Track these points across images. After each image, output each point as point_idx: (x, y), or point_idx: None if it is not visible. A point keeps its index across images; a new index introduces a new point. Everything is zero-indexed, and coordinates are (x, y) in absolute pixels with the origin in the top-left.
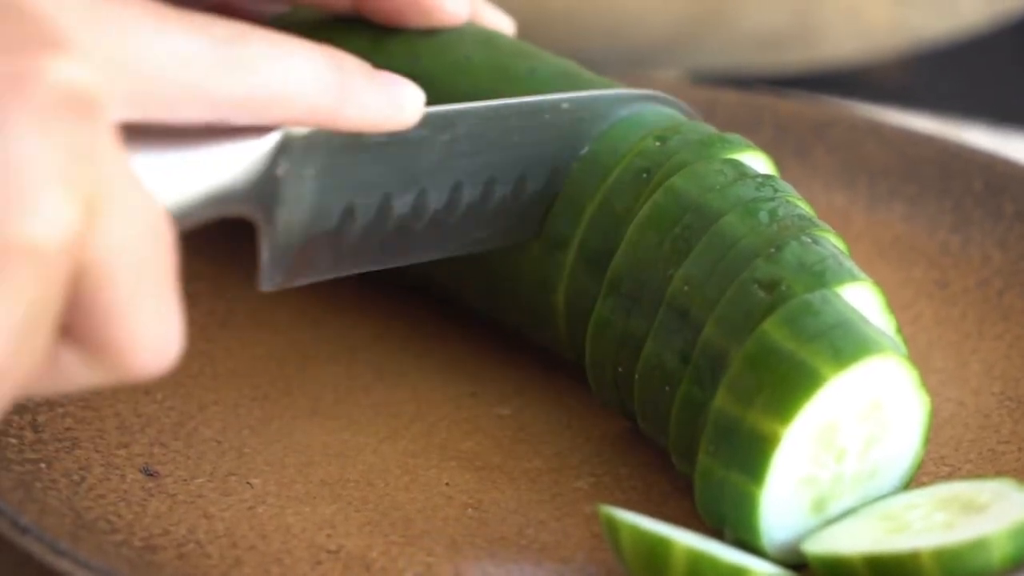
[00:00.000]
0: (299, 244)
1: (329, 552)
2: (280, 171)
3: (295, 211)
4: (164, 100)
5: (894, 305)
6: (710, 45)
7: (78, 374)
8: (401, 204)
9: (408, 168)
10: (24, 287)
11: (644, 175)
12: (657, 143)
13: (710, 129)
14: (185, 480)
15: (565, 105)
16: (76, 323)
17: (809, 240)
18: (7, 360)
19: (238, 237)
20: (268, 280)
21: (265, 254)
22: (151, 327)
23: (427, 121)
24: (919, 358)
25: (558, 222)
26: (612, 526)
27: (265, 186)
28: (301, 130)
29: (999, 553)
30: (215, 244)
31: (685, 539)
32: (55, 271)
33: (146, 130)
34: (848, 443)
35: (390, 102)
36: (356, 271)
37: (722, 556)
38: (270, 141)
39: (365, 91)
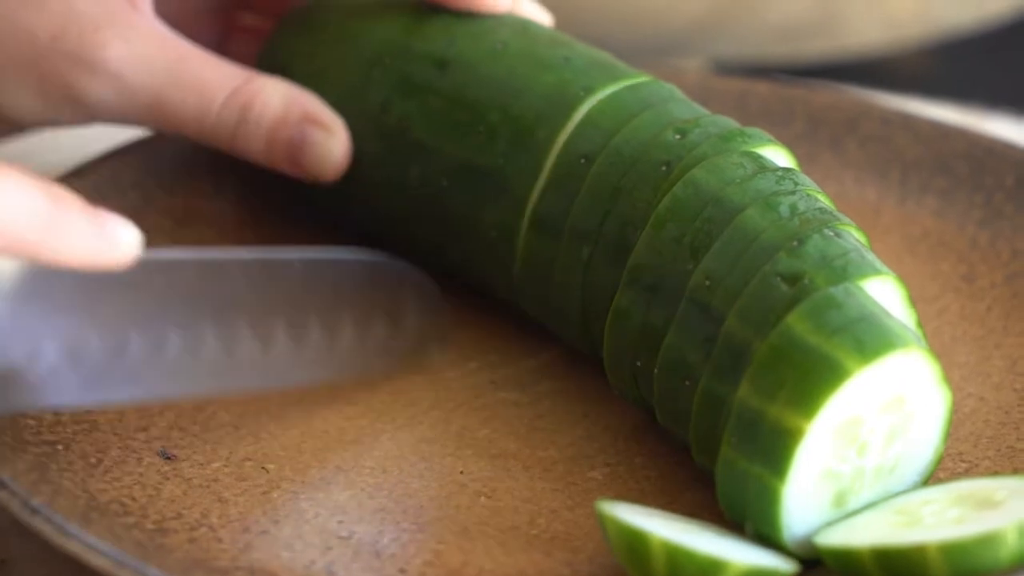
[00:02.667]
0: None
1: (340, 538)
2: None
3: None
4: None
5: (920, 299)
6: (734, 34)
7: None
8: (99, 345)
9: (115, 309)
10: None
11: (664, 168)
12: (677, 136)
13: (731, 123)
14: (201, 464)
15: (296, 264)
16: None
17: (831, 233)
18: None
19: (267, 221)
20: None
21: None
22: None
23: (142, 264)
24: (943, 352)
25: (579, 214)
26: (601, 519)
27: None
28: (3, 262)
29: (1008, 549)
30: (243, 228)
31: (662, 532)
32: None
33: None
34: (870, 437)
35: (104, 239)
36: (57, 406)
37: (698, 549)
38: None
39: (77, 225)
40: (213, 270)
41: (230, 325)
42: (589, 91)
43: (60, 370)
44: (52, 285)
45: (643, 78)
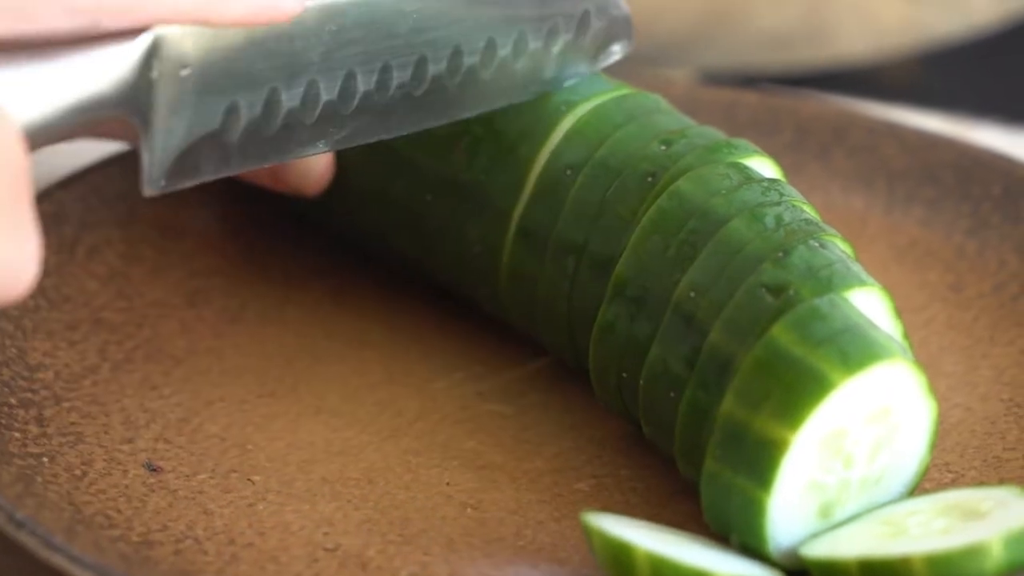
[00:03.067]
0: (181, 148)
1: (326, 550)
2: (154, 74)
3: (174, 115)
4: (24, 9)
5: (907, 309)
6: (721, 44)
7: None
8: (289, 98)
9: (293, 61)
10: None
11: (649, 179)
12: (663, 147)
13: (717, 134)
14: (187, 476)
15: None
16: None
17: (816, 244)
18: None
19: (252, 233)
20: (151, 184)
21: (145, 159)
22: (1, 250)
23: (310, 12)
24: (929, 362)
25: (563, 226)
26: (586, 530)
27: (139, 91)
28: (174, 29)
29: (992, 560)
30: (229, 240)
31: (647, 544)
32: None
33: (8, 45)
34: (855, 449)
35: None
36: (245, 170)
37: (683, 560)
38: (142, 44)
39: None
40: (384, 5)
41: (413, 57)
42: (571, 106)
43: (258, 127)
44: (225, 49)
45: (625, 90)
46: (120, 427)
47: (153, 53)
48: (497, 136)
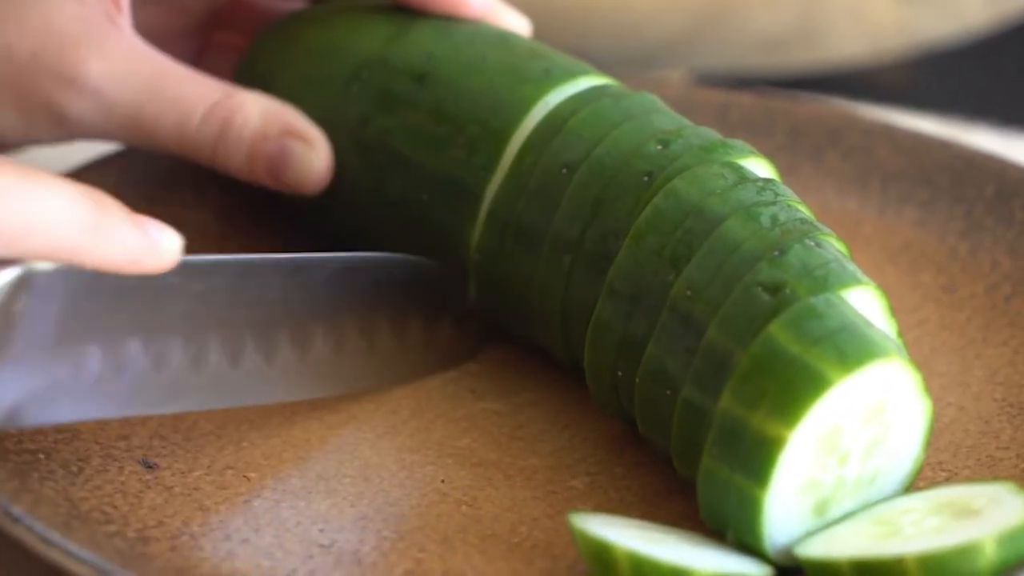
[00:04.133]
0: (34, 384)
1: (321, 547)
2: (17, 307)
3: (32, 349)
4: None
5: (900, 309)
6: (715, 46)
7: None
8: (140, 353)
9: (154, 317)
10: None
11: (645, 178)
12: (659, 147)
13: (713, 134)
14: (183, 473)
15: (330, 265)
16: None
17: (812, 244)
18: None
19: (248, 232)
20: None
21: None
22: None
23: (182, 268)
24: (923, 362)
25: (560, 224)
26: (572, 530)
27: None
28: (45, 266)
29: (985, 559)
30: (225, 239)
31: (626, 543)
32: None
33: None
34: (851, 447)
35: (146, 243)
36: (98, 417)
37: (662, 558)
38: (9, 275)
39: (120, 230)
40: (251, 273)
41: (270, 332)
42: (543, 91)
43: (105, 382)
44: (93, 292)
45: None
46: (116, 424)
47: (20, 286)
48: (494, 134)
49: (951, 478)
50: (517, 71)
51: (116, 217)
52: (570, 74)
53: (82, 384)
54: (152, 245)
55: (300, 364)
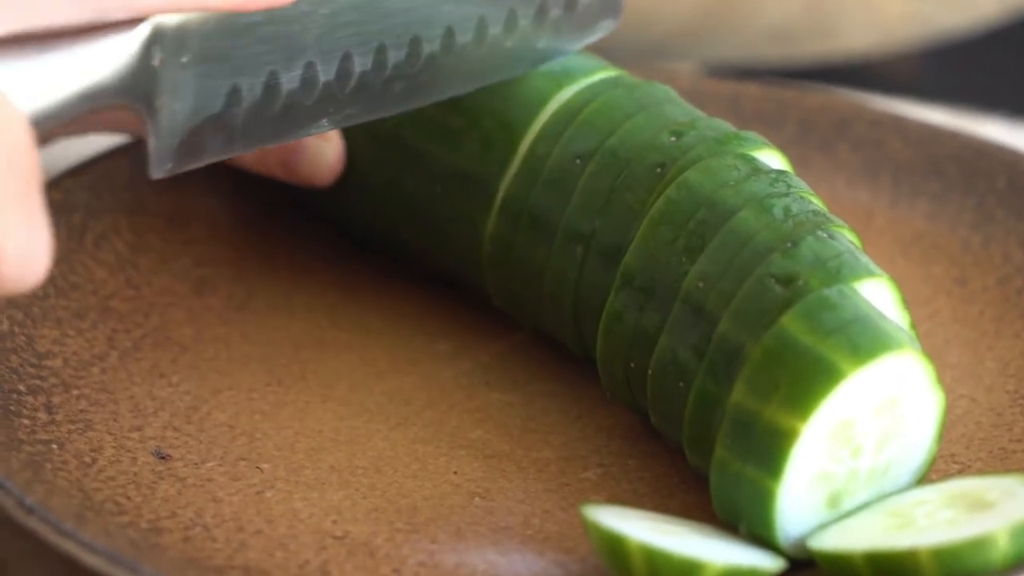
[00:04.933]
0: (185, 130)
1: (335, 538)
2: (155, 61)
3: (177, 99)
4: (32, 2)
5: (912, 301)
6: (724, 37)
7: None
8: (288, 81)
9: (291, 44)
10: None
11: (658, 170)
12: (672, 138)
13: (726, 126)
14: (196, 464)
15: None
16: None
17: (825, 235)
18: None
19: (259, 222)
20: (158, 168)
21: (151, 142)
22: (12, 241)
23: None
24: (935, 354)
25: (572, 215)
26: (584, 523)
27: (141, 78)
28: (173, 17)
29: (999, 552)
30: (235, 230)
31: (640, 535)
32: None
33: (15, 39)
34: (864, 439)
35: None
36: (250, 150)
37: (675, 551)
38: (142, 32)
39: None
40: None
41: (406, 37)
42: (559, 86)
43: (259, 109)
44: (225, 35)
45: (613, 72)
46: (129, 415)
47: (154, 41)
48: (508, 127)
49: (964, 470)
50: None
51: None
52: (586, 70)
53: (237, 117)
54: None
55: (447, 59)
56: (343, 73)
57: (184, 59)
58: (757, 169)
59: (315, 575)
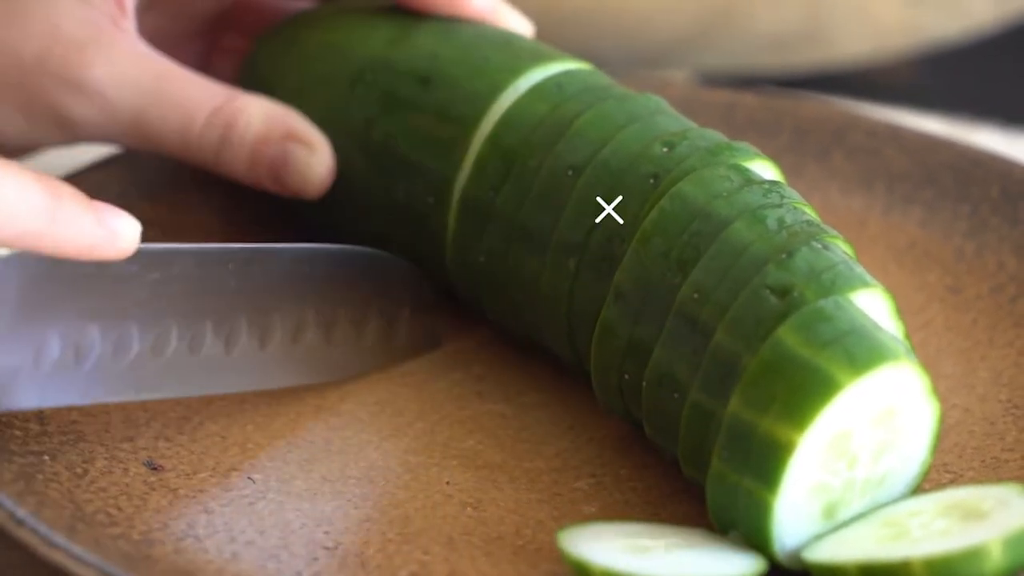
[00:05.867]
0: None
1: (326, 548)
2: None
3: None
4: None
5: (906, 310)
6: (720, 46)
7: None
8: (100, 341)
9: (112, 304)
10: None
11: (651, 181)
12: (665, 149)
13: (719, 136)
14: (188, 474)
15: (288, 255)
16: None
17: (819, 246)
18: None
19: (252, 233)
20: None
21: None
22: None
23: (140, 256)
24: (928, 363)
25: (565, 227)
26: (560, 548)
27: None
28: (2, 252)
29: (992, 563)
30: (228, 239)
31: (603, 561)
32: None
33: None
34: (860, 449)
35: (104, 230)
36: (61, 405)
37: (639, 574)
38: None
39: (78, 217)
40: (210, 262)
41: (229, 321)
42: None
43: (65, 368)
44: (52, 280)
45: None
46: (121, 425)
47: None
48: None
49: (956, 480)
50: (520, 73)
51: (72, 203)
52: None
53: (42, 370)
54: (109, 232)
55: (259, 353)
56: (159, 344)
57: (6, 297)
58: (750, 180)
59: None
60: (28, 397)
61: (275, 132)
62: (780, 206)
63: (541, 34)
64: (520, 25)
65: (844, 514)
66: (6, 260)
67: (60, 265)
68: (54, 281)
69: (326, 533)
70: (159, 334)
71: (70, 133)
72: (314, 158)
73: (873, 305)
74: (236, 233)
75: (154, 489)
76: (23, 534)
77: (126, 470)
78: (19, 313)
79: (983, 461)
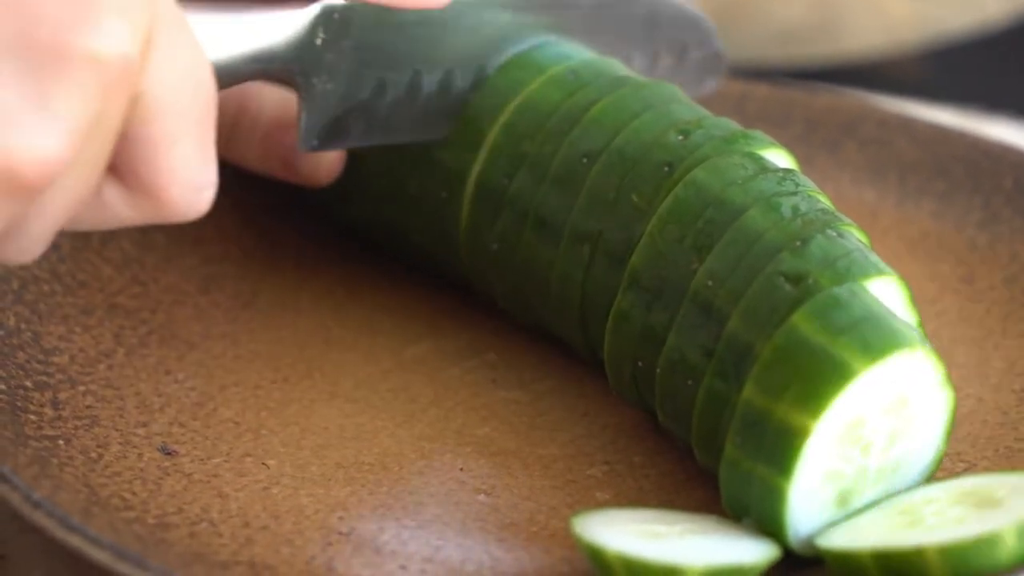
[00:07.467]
0: (334, 111)
1: (340, 534)
2: (319, 41)
3: (331, 80)
4: None
5: (919, 300)
6: (732, 38)
7: (119, 209)
8: (428, 83)
9: (436, 49)
10: (88, 94)
11: (666, 168)
12: (680, 137)
13: (733, 125)
14: (202, 460)
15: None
16: (123, 156)
17: (834, 234)
18: (70, 155)
19: (265, 221)
20: (305, 143)
21: (304, 118)
22: (188, 168)
23: (456, 4)
24: (942, 353)
25: (579, 215)
26: (573, 534)
27: (304, 53)
28: (339, 3)
29: (1007, 550)
30: (242, 227)
31: (617, 546)
32: (115, 89)
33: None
34: (874, 437)
35: None
36: (388, 142)
37: (652, 559)
38: (311, 11)
39: None
40: (521, 7)
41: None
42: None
43: (400, 104)
44: (382, 26)
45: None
46: (135, 411)
47: (320, 22)
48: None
49: (970, 469)
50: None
51: None
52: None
53: (380, 108)
54: None
55: None
56: (476, 84)
57: (344, 44)
58: (764, 168)
59: (321, 571)
60: (364, 133)
61: (287, 117)
62: (795, 194)
63: None
64: None
65: (858, 502)
66: (344, 9)
67: (390, 13)
68: (384, 30)
69: (340, 519)
70: (477, 75)
71: None
72: None
73: (888, 293)
74: (250, 223)
75: (168, 474)
76: (39, 517)
77: (140, 455)
78: (356, 58)
79: (997, 450)
